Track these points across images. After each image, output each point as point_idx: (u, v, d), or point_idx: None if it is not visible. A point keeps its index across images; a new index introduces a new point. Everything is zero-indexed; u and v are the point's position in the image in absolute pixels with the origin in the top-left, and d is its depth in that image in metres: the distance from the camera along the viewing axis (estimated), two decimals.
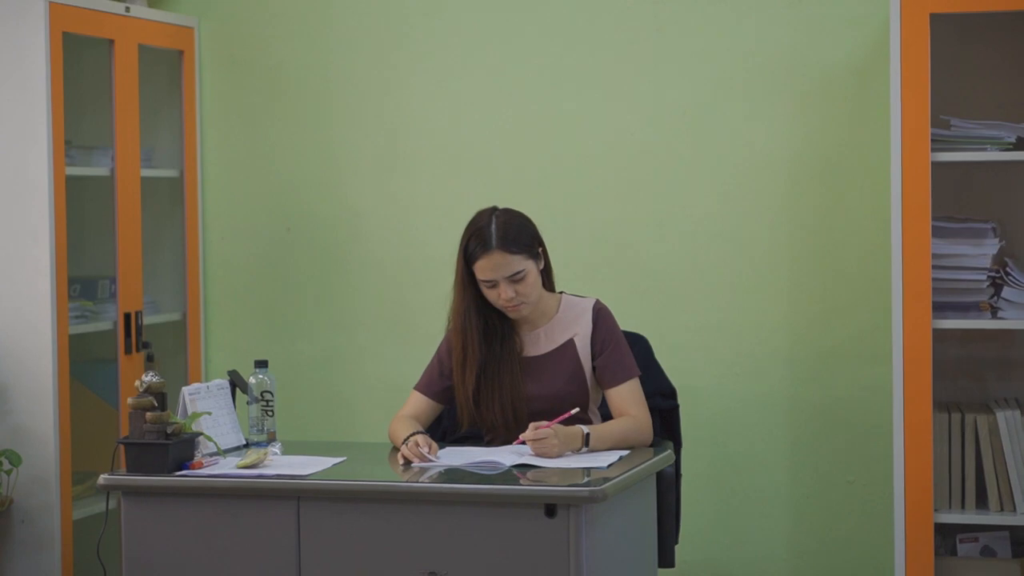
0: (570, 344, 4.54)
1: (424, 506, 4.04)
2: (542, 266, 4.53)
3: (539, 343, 4.55)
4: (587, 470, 4.15)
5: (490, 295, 4.47)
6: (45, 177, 5.03)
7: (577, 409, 4.37)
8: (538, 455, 4.25)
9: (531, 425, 4.30)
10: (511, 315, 4.50)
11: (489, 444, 4.49)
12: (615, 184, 5.49)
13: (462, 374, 4.51)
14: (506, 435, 4.46)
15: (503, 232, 4.44)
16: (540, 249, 4.52)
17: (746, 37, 5.35)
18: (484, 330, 4.50)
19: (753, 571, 5.41)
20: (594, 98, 5.49)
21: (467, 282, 4.49)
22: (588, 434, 4.34)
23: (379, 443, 4.61)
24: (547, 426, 4.28)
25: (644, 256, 5.47)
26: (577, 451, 4.32)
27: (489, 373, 4.49)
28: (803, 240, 5.30)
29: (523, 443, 4.28)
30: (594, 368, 4.53)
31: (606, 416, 4.57)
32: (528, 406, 4.47)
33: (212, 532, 4.17)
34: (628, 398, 4.50)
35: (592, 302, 4.59)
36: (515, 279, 4.45)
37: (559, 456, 4.26)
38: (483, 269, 4.45)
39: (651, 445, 4.50)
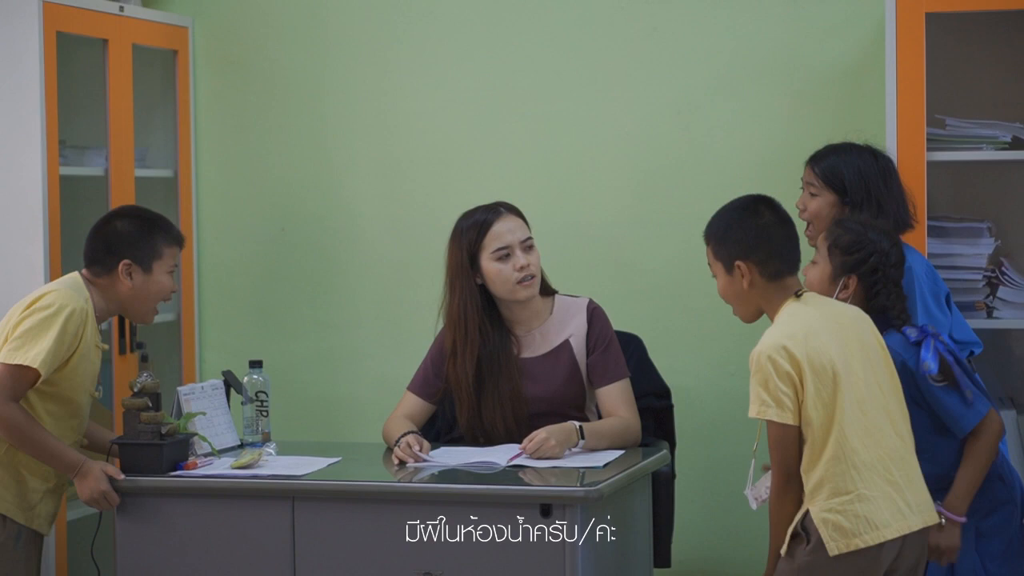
0: (566, 345, 4.53)
1: (419, 506, 4.04)
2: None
3: (535, 345, 4.54)
4: (583, 470, 4.15)
5: (502, 271, 4.43)
6: (39, 177, 5.01)
7: (554, 442, 4.29)
8: (542, 459, 4.24)
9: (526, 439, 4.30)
10: (522, 294, 4.45)
11: (485, 444, 4.48)
12: (610, 184, 5.48)
13: (462, 363, 4.46)
14: (506, 439, 4.45)
15: (509, 205, 4.52)
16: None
17: (741, 36, 5.35)
18: (481, 325, 4.48)
19: (748, 570, 5.40)
20: (588, 98, 5.48)
21: (466, 273, 4.46)
22: (580, 427, 4.33)
23: (374, 443, 4.61)
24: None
25: (638, 256, 5.46)
26: (575, 445, 4.31)
27: (489, 378, 4.47)
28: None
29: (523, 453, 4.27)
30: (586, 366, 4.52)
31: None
32: (527, 408, 4.46)
33: (206, 533, 4.16)
34: (618, 398, 4.49)
35: (586, 301, 4.59)
36: (527, 245, 4.46)
37: (560, 455, 4.26)
38: (498, 235, 4.44)
39: (644, 445, 4.50)
